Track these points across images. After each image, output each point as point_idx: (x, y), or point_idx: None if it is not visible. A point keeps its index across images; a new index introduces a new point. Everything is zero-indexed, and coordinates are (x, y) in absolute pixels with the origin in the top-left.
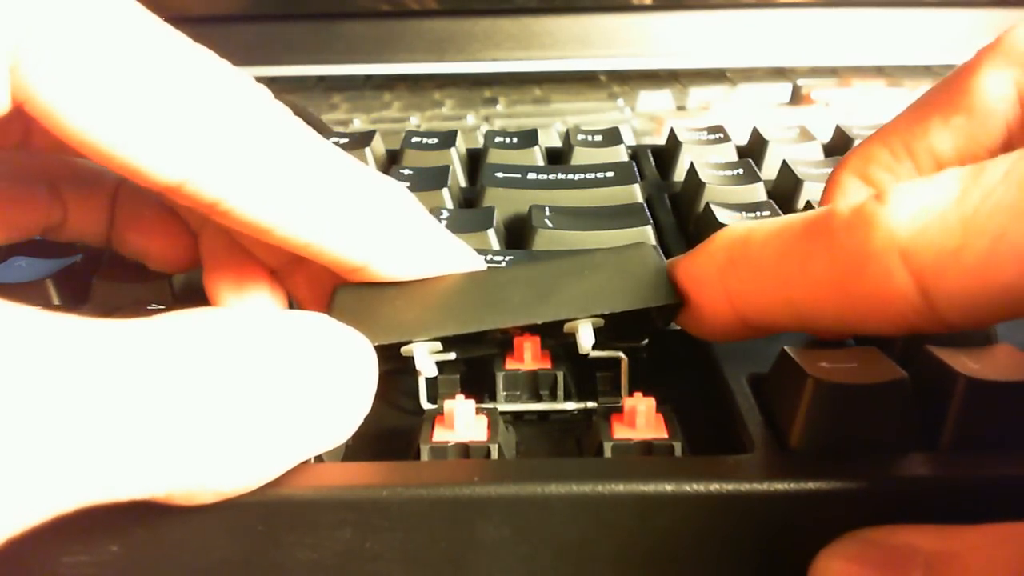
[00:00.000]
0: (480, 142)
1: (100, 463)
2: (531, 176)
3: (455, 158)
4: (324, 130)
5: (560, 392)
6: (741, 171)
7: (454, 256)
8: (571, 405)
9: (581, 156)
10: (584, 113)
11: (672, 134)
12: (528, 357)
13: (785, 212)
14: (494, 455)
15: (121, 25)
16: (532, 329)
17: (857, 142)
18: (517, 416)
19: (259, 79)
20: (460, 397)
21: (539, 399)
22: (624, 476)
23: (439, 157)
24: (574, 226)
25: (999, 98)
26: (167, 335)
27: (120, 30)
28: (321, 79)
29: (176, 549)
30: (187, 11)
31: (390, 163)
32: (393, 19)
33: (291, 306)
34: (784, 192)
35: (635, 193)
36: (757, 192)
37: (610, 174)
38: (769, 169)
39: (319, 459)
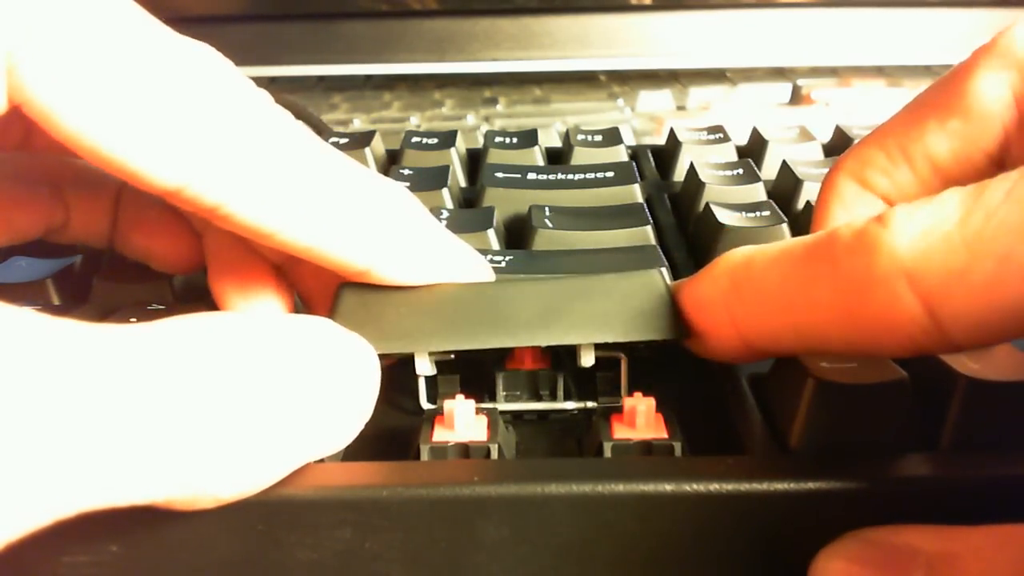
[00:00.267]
0: (480, 142)
1: (100, 469)
2: (531, 176)
3: (455, 158)
4: (324, 130)
5: (560, 392)
6: (741, 171)
7: (458, 260)
8: (571, 405)
9: (581, 156)
10: (584, 113)
11: (672, 134)
12: (528, 358)
13: (785, 212)
14: (494, 455)
15: (119, 27)
16: None
17: (857, 142)
18: (517, 416)
19: (259, 79)
20: (460, 397)
21: (539, 399)
22: (624, 476)
23: (439, 157)
24: (574, 226)
25: (995, 101)
26: (169, 341)
27: (118, 32)
28: (321, 79)
29: (176, 549)
30: (187, 11)
31: (390, 163)
32: (393, 19)
33: (296, 308)
34: (784, 192)
35: (635, 193)
36: (757, 192)
37: (610, 174)
38: (769, 169)
39: (319, 459)
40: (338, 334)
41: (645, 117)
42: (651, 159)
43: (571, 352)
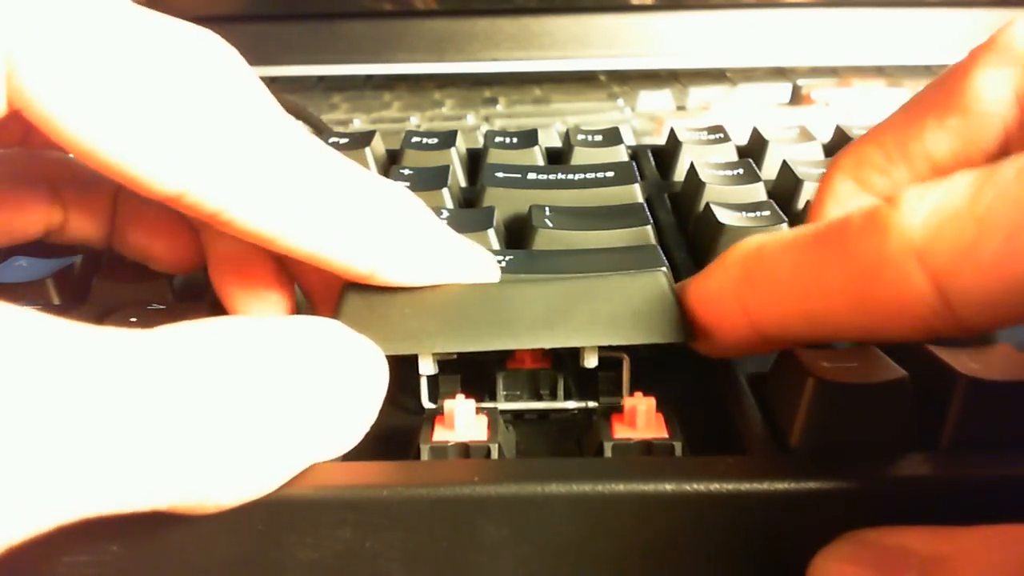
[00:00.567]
0: (480, 142)
1: (103, 475)
2: (531, 176)
3: (455, 158)
4: (324, 130)
5: (560, 392)
6: (741, 171)
7: (463, 260)
8: (572, 404)
9: (581, 156)
10: (584, 113)
11: (672, 134)
12: (528, 357)
13: (785, 212)
14: (494, 455)
15: (119, 30)
16: None
17: (854, 140)
18: (517, 416)
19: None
20: (460, 397)
21: (539, 399)
22: (624, 476)
23: (439, 157)
24: (574, 226)
25: (995, 99)
26: (175, 346)
27: (118, 36)
28: (321, 79)
29: (176, 549)
30: (187, 11)
31: (390, 163)
32: (393, 19)
33: (298, 302)
34: (784, 192)
35: (635, 193)
36: (757, 192)
37: (610, 174)
38: (769, 169)
39: None
40: (347, 336)
41: (645, 117)
42: (651, 159)
43: (572, 352)
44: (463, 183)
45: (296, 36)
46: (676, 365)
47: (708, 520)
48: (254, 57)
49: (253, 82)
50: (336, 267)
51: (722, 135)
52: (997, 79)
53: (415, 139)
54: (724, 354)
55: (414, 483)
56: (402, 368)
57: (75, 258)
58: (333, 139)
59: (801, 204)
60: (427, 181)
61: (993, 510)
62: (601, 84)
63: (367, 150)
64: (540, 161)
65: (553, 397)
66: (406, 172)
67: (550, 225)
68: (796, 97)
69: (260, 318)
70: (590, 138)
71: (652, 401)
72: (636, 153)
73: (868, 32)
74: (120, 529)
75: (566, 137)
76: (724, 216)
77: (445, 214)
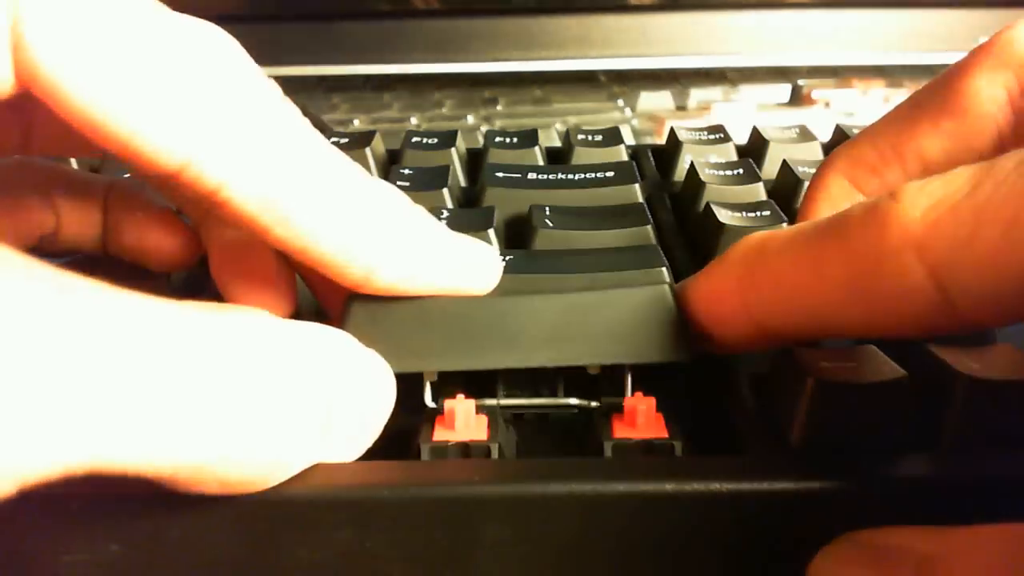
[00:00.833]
0: (480, 142)
1: (111, 420)
2: (531, 176)
3: (455, 158)
4: (324, 130)
5: (560, 392)
6: (741, 171)
7: (464, 261)
8: (572, 402)
9: (581, 156)
10: (584, 113)
11: (672, 134)
12: None
13: (785, 212)
14: (494, 455)
15: (127, 7)
16: None
17: (848, 140)
18: (517, 416)
19: None
20: (461, 396)
21: (539, 399)
22: (624, 476)
23: (439, 157)
24: (574, 226)
25: (990, 101)
26: (204, 321)
27: (126, 11)
28: (321, 79)
29: (176, 549)
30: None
31: (390, 163)
32: (393, 19)
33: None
34: (784, 192)
35: (635, 193)
36: (757, 192)
37: (610, 174)
38: (769, 169)
39: None
40: (360, 350)
41: (645, 117)
42: (651, 159)
43: None
44: (463, 183)
45: (296, 36)
46: (676, 365)
47: (708, 520)
48: (254, 57)
49: (257, 71)
50: (332, 263)
51: (722, 135)
52: (993, 82)
53: (415, 139)
54: (728, 351)
55: (414, 483)
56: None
57: (74, 258)
58: (333, 139)
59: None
60: (427, 181)
61: (993, 510)
62: (601, 84)
63: (367, 150)
64: (540, 161)
65: (553, 397)
66: (406, 172)
67: (550, 225)
68: (796, 97)
69: (287, 322)
70: (590, 138)
71: (652, 401)
72: (636, 153)
73: (868, 32)
74: (120, 528)
75: (566, 137)
76: (724, 216)
77: (445, 214)
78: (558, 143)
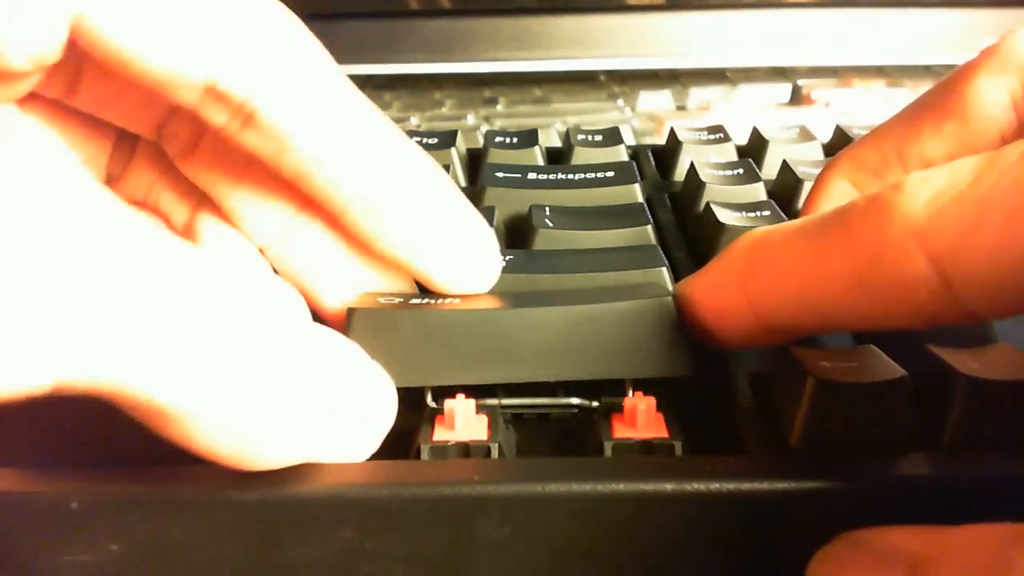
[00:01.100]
0: (480, 142)
1: (113, 334)
2: (531, 176)
3: (455, 158)
4: None
5: (560, 391)
6: (741, 171)
7: (467, 228)
8: (573, 401)
9: (581, 156)
10: (584, 113)
11: (672, 134)
12: None
13: (785, 212)
14: (494, 455)
15: None
16: None
17: (854, 142)
18: (517, 416)
19: None
20: (460, 396)
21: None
22: (624, 476)
23: (439, 157)
24: (574, 226)
25: (993, 105)
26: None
27: None
28: None
29: (176, 549)
30: None
31: None
32: (393, 19)
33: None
34: (784, 192)
35: (635, 193)
36: (757, 192)
37: (610, 174)
38: (769, 169)
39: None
40: (368, 363)
41: (645, 117)
42: (651, 159)
43: None
44: (463, 183)
45: None
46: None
47: (708, 520)
48: None
49: (297, 22)
50: (340, 190)
51: (722, 135)
52: (996, 86)
53: (415, 139)
54: (731, 347)
55: (414, 483)
56: None
57: None
58: None
59: (801, 204)
60: None
61: (993, 510)
62: (601, 84)
63: None
64: (540, 161)
65: (553, 397)
66: None
67: (550, 225)
68: (796, 97)
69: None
70: (590, 138)
71: (652, 401)
72: (636, 153)
73: (868, 32)
74: (120, 528)
75: (566, 137)
76: (724, 216)
77: None
78: (558, 143)
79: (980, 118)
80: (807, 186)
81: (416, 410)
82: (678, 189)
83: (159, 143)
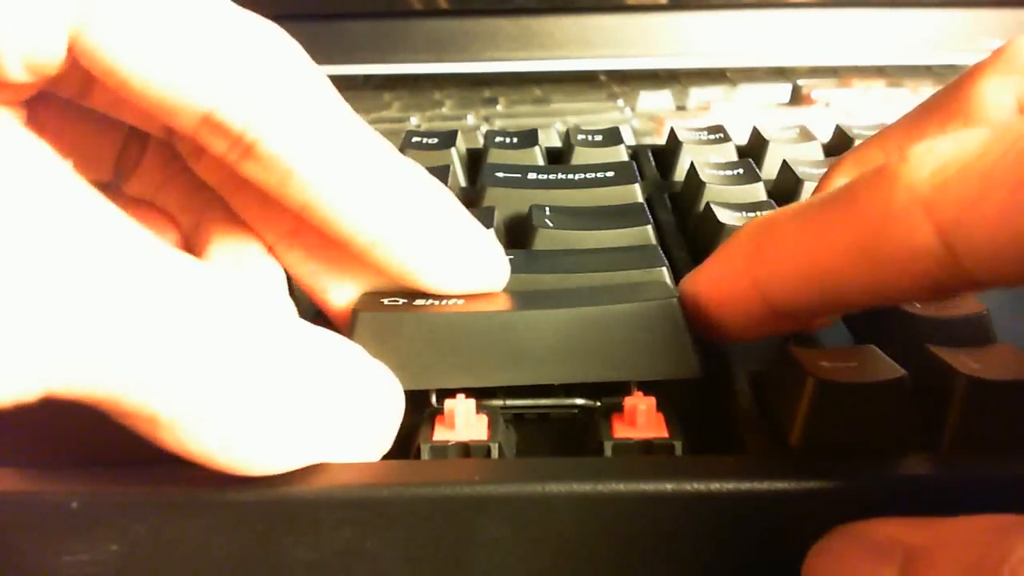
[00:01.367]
0: (480, 142)
1: (105, 344)
2: (531, 176)
3: (455, 158)
4: None
5: (561, 391)
6: (741, 171)
7: (473, 243)
8: (572, 401)
9: (581, 156)
10: (584, 113)
11: (672, 134)
12: None
13: None
14: (494, 454)
15: None
16: None
17: (857, 142)
18: (517, 416)
19: None
20: (461, 396)
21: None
22: (624, 476)
23: (439, 157)
24: (574, 226)
25: (997, 107)
26: (243, 300)
27: None
28: None
29: (176, 549)
30: None
31: None
32: (393, 19)
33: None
34: (784, 192)
35: (635, 193)
36: (757, 192)
37: (610, 174)
38: (769, 169)
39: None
40: (375, 366)
41: (645, 117)
42: (651, 159)
43: None
44: (463, 183)
45: (295, 36)
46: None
47: (708, 520)
48: None
49: (298, 49)
50: (341, 222)
51: (722, 135)
52: (1002, 88)
53: (415, 139)
54: (739, 338)
55: (414, 483)
56: None
57: None
58: None
59: None
60: None
61: (993, 510)
62: (601, 84)
63: None
64: (540, 161)
65: (554, 397)
66: None
67: (550, 225)
68: (796, 97)
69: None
70: (590, 138)
71: (652, 401)
72: (636, 153)
73: (868, 32)
74: (120, 528)
75: (566, 137)
76: (724, 216)
77: None
78: (558, 143)
79: (984, 120)
80: (807, 186)
81: (416, 410)
82: (678, 189)
83: (170, 141)
